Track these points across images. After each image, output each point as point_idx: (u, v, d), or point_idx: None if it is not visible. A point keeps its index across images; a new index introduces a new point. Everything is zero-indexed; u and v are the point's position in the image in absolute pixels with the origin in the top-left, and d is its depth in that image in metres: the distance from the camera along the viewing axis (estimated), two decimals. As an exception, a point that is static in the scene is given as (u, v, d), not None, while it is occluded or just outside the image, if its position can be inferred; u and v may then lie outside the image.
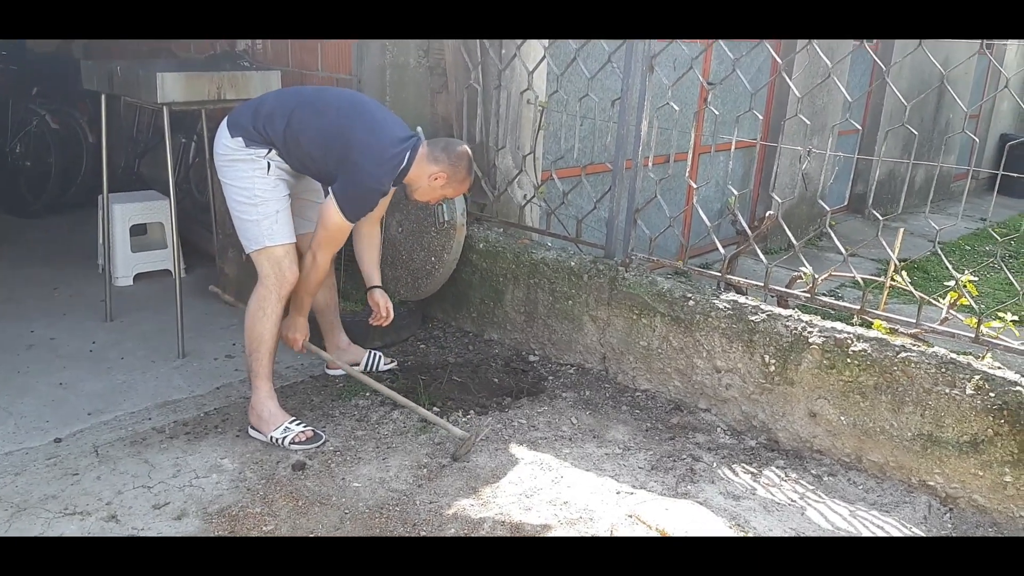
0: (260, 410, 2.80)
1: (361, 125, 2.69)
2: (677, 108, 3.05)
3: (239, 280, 3.98)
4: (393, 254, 3.76)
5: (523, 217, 3.83)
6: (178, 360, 3.41)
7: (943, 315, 2.82)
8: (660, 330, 3.14)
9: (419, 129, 3.97)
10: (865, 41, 2.68)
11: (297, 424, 2.80)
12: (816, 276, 2.95)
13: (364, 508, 2.45)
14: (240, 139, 2.71)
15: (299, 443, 2.75)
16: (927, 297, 2.77)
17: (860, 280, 2.86)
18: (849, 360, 2.67)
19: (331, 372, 3.30)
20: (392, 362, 3.41)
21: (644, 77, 3.04)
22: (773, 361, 2.85)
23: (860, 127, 6.99)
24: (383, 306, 3.10)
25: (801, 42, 2.65)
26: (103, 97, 3.50)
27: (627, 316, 3.22)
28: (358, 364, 3.33)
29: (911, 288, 2.79)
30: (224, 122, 2.78)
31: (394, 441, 2.84)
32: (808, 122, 2.72)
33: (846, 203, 7.29)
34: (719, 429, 3.02)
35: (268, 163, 2.74)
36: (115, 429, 2.84)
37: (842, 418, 2.73)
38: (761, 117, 2.83)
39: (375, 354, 3.38)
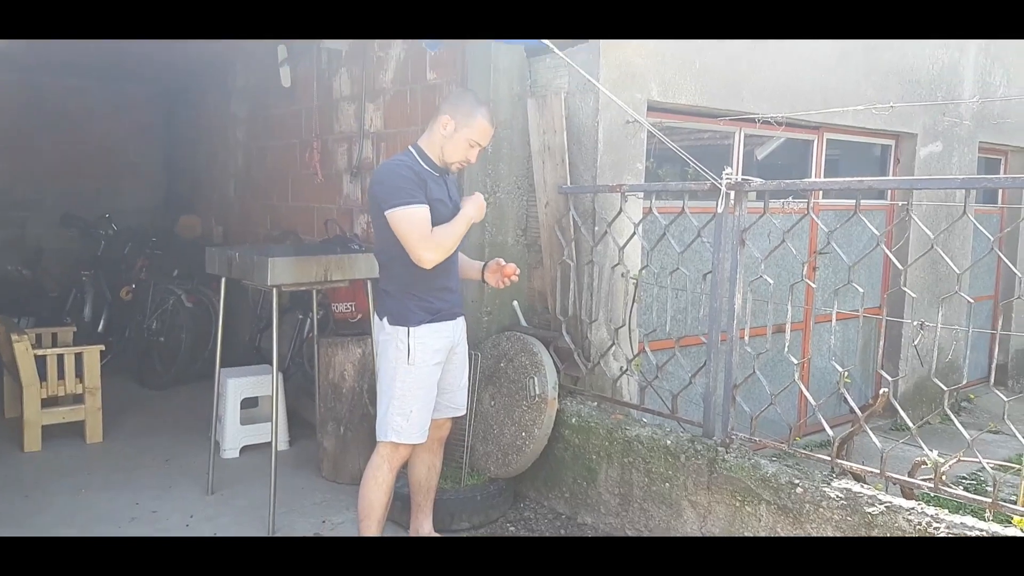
0: None
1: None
2: (771, 281, 2.94)
3: (335, 455, 4.01)
4: (484, 428, 3.70)
5: (617, 391, 3.71)
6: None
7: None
8: (766, 519, 2.85)
9: (515, 303, 4.04)
10: (984, 208, 2.52)
11: None
12: (941, 461, 2.63)
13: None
14: (386, 319, 2.85)
15: None
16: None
17: (988, 468, 2.52)
18: (989, 564, 2.29)
19: None
20: None
21: (735, 250, 2.97)
22: (898, 561, 2.50)
23: (992, 296, 6.54)
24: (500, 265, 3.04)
25: (903, 211, 2.53)
26: (223, 280, 3.76)
27: (729, 502, 2.96)
28: None
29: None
30: (374, 313, 3.00)
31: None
32: (914, 295, 2.54)
33: (987, 375, 6.68)
34: (841, 640, 2.63)
35: (410, 347, 2.80)
36: (196, 610, 2.80)
37: (988, 635, 2.31)
38: (860, 288, 2.66)
39: None
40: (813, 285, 2.89)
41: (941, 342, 5.45)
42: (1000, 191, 6.36)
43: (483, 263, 3.13)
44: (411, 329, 2.80)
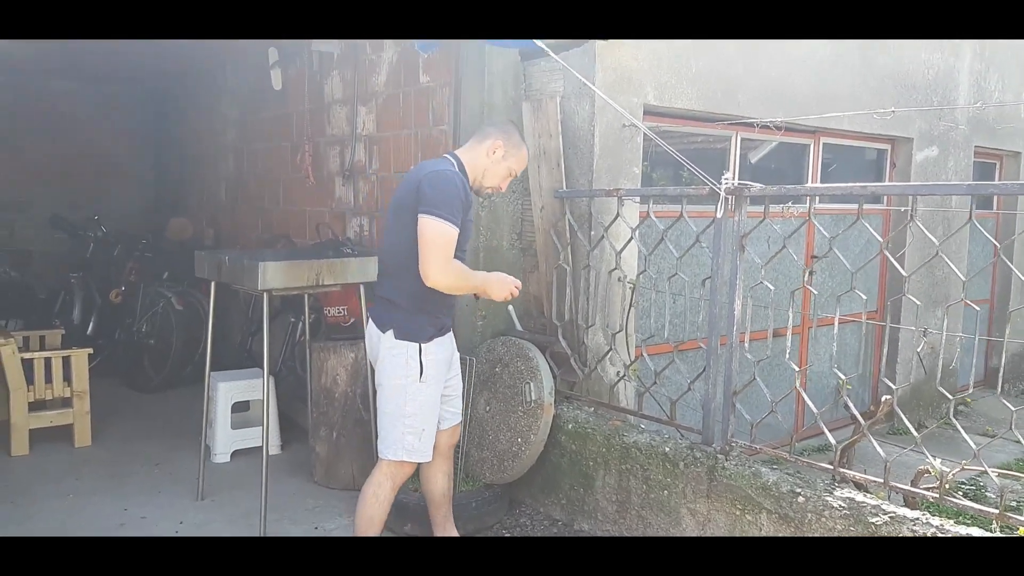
0: None
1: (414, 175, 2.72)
2: (772, 287, 2.90)
3: (328, 460, 3.96)
4: (480, 434, 3.65)
5: (614, 397, 3.67)
6: (259, 544, 3.33)
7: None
8: (767, 529, 2.81)
9: (510, 308, 3.98)
10: (980, 212, 2.49)
11: None
12: (946, 471, 2.60)
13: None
14: (391, 331, 2.72)
15: None
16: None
17: (994, 478, 2.49)
18: (994, 575, 2.26)
19: None
20: None
21: (735, 255, 2.93)
22: (901, 571, 2.46)
23: (988, 300, 6.54)
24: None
25: (908, 216, 2.49)
26: (212, 284, 3.70)
27: (729, 511, 2.92)
28: None
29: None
30: (371, 321, 2.82)
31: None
32: (918, 302, 2.51)
33: (982, 378, 6.69)
34: (842, 651, 2.59)
35: (422, 364, 2.70)
36: (185, 621, 2.74)
37: (993, 647, 2.28)
38: (863, 296, 2.63)
39: None
40: (815, 291, 2.86)
41: (939, 347, 5.44)
42: (995, 196, 6.36)
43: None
44: (423, 346, 2.71)
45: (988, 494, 4.32)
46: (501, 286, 2.79)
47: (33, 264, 6.47)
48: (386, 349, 2.73)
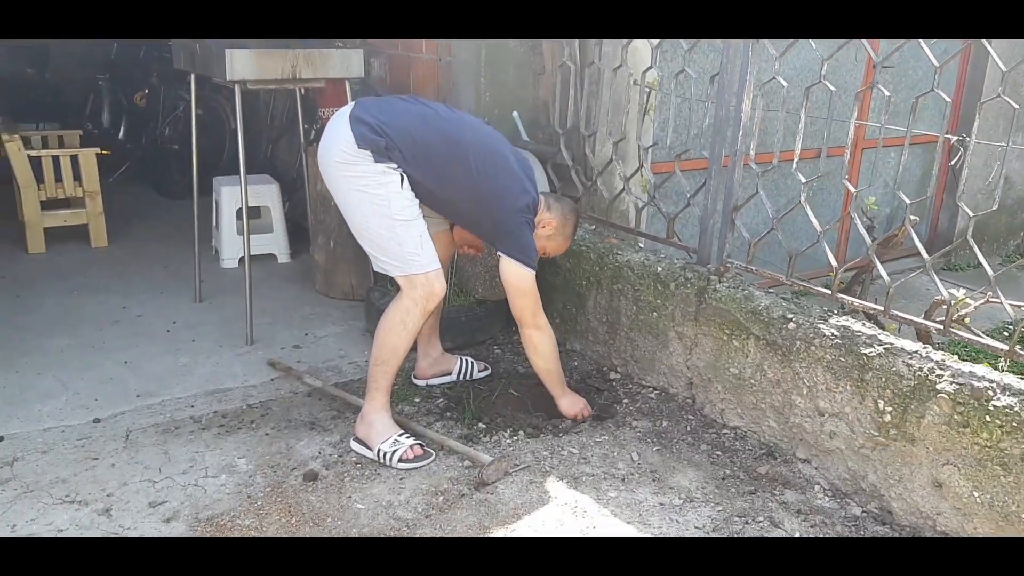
0: (372, 420, 2.53)
1: (511, 181, 2.57)
2: (785, 84, 2.47)
3: (327, 268, 3.87)
4: (474, 249, 3.45)
5: (623, 216, 3.38)
6: (245, 347, 3.32)
7: None
8: (754, 356, 2.58)
9: (515, 114, 3.65)
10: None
11: (407, 438, 2.52)
12: (959, 298, 2.27)
13: (357, 536, 2.16)
14: (368, 152, 2.39)
15: (407, 460, 2.46)
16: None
17: (1009, 308, 2.15)
18: (988, 418, 1.99)
19: (417, 381, 3.03)
20: (486, 369, 3.10)
21: (747, 46, 2.49)
22: (889, 409, 2.22)
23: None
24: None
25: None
26: (192, 76, 3.48)
27: (716, 335, 2.68)
28: (450, 374, 3.03)
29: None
30: (347, 126, 2.41)
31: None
32: (946, 95, 2.07)
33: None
34: (818, 487, 2.42)
35: (402, 175, 2.42)
36: (155, 414, 2.77)
37: (975, 494, 2.06)
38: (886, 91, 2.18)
39: (467, 361, 3.07)
40: (830, 86, 2.41)
41: (1011, 175, 4.85)
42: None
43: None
44: (401, 167, 2.43)
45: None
46: (574, 400, 2.79)
47: (51, 61, 6.32)
48: (358, 166, 2.41)
